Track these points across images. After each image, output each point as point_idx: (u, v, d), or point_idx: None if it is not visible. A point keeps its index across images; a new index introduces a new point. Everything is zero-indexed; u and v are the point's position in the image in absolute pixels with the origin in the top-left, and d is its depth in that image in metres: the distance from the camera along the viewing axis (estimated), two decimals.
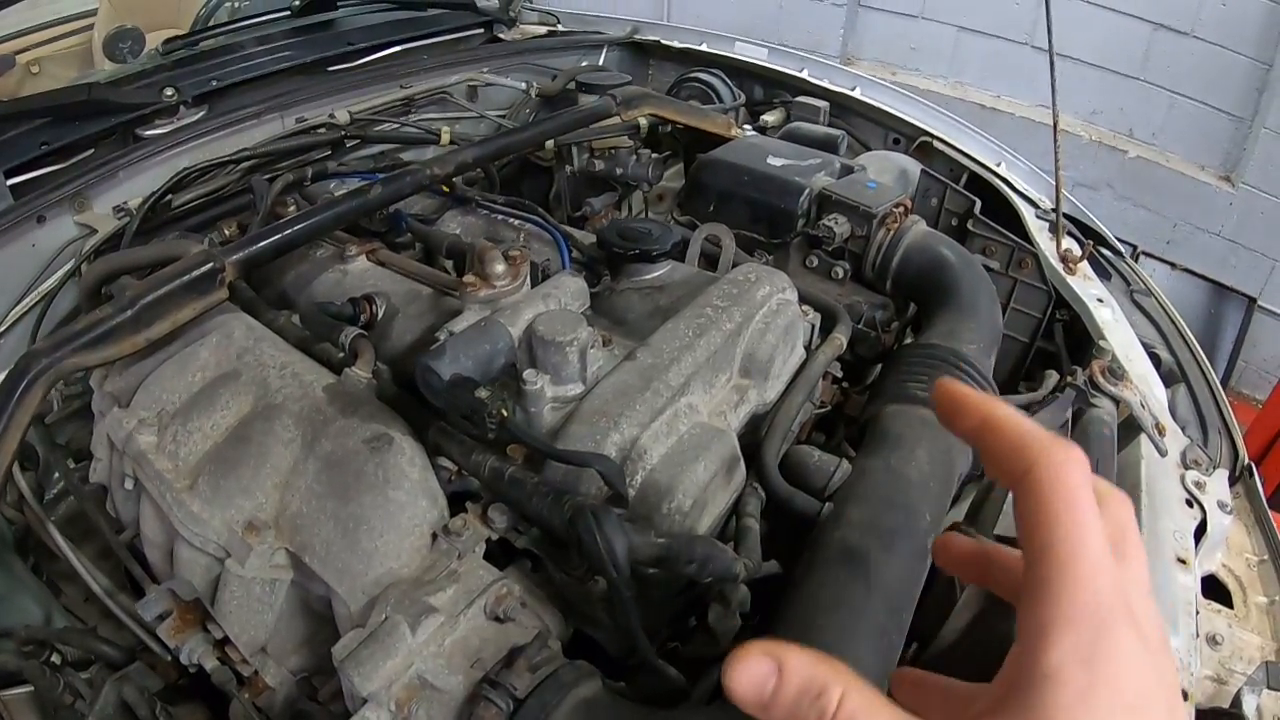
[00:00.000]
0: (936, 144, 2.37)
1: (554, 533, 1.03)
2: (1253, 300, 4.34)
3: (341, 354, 1.30)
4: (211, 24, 2.34)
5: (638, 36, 2.67)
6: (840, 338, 1.57)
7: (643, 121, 2.20)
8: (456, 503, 1.18)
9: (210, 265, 1.31)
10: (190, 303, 1.31)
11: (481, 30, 2.55)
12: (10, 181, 1.75)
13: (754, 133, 2.27)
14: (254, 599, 1.12)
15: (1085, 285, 2.01)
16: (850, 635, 1.00)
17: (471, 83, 2.26)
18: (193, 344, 1.35)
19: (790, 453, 1.38)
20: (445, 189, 1.78)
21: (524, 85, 2.31)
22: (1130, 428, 1.66)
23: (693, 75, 2.50)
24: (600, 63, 2.59)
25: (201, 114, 1.97)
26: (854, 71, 2.48)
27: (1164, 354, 1.97)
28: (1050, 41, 2.02)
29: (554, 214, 2.23)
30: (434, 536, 1.11)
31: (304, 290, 1.58)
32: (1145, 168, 4.34)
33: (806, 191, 1.87)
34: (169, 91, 1.92)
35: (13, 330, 1.70)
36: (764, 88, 2.57)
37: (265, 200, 1.68)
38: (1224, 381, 3.86)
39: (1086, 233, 2.20)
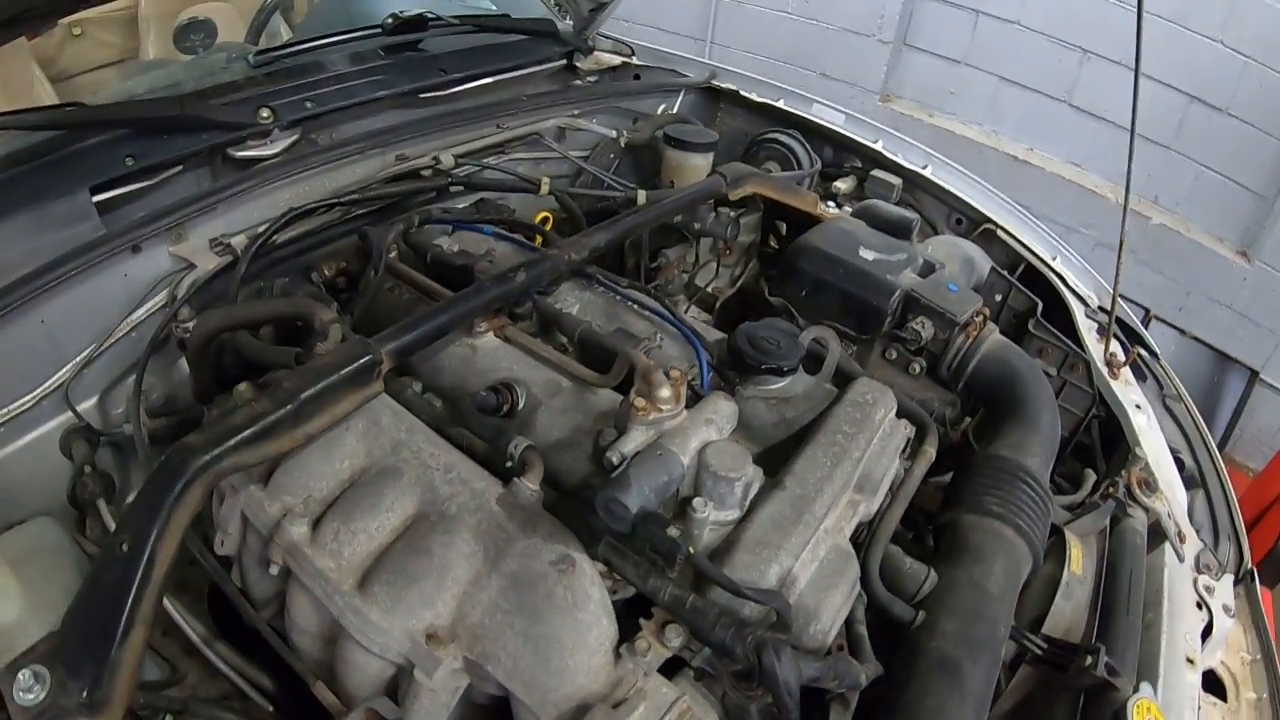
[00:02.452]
0: (999, 233, 2.41)
1: (731, 657, 1.07)
2: (1255, 373, 4.45)
3: (509, 463, 1.25)
4: (297, 38, 2.17)
5: (715, 82, 2.61)
6: (931, 450, 1.61)
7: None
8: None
9: (369, 358, 1.23)
10: (348, 396, 1.23)
11: (563, 60, 2.45)
12: (97, 199, 1.61)
13: (834, 208, 2.25)
14: (439, 706, 1.11)
15: (1126, 391, 2.12)
16: None
17: (563, 125, 2.18)
18: (337, 428, 1.27)
19: (885, 557, 1.43)
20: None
21: (614, 132, 2.23)
22: (1155, 533, 1.82)
23: (771, 136, 2.46)
24: (677, 106, 2.52)
25: (294, 138, 1.84)
26: (925, 149, 2.48)
27: (1187, 459, 2.11)
28: (1130, 153, 2.06)
29: (628, 261, 2.18)
30: (618, 654, 1.12)
31: (428, 360, 1.51)
32: (1166, 235, 4.39)
33: (898, 292, 1.91)
34: (264, 113, 1.79)
35: (98, 361, 1.58)
36: (834, 150, 2.55)
37: (381, 253, 1.59)
38: (1220, 448, 4.04)
39: (1128, 334, 2.28)
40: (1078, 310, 2.31)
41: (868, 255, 1.98)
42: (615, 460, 1.21)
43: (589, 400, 1.43)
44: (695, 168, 2.29)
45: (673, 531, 1.13)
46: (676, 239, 2.32)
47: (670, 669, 1.15)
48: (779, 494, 1.29)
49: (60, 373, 1.54)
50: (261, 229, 1.64)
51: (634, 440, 1.25)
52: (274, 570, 1.20)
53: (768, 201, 2.16)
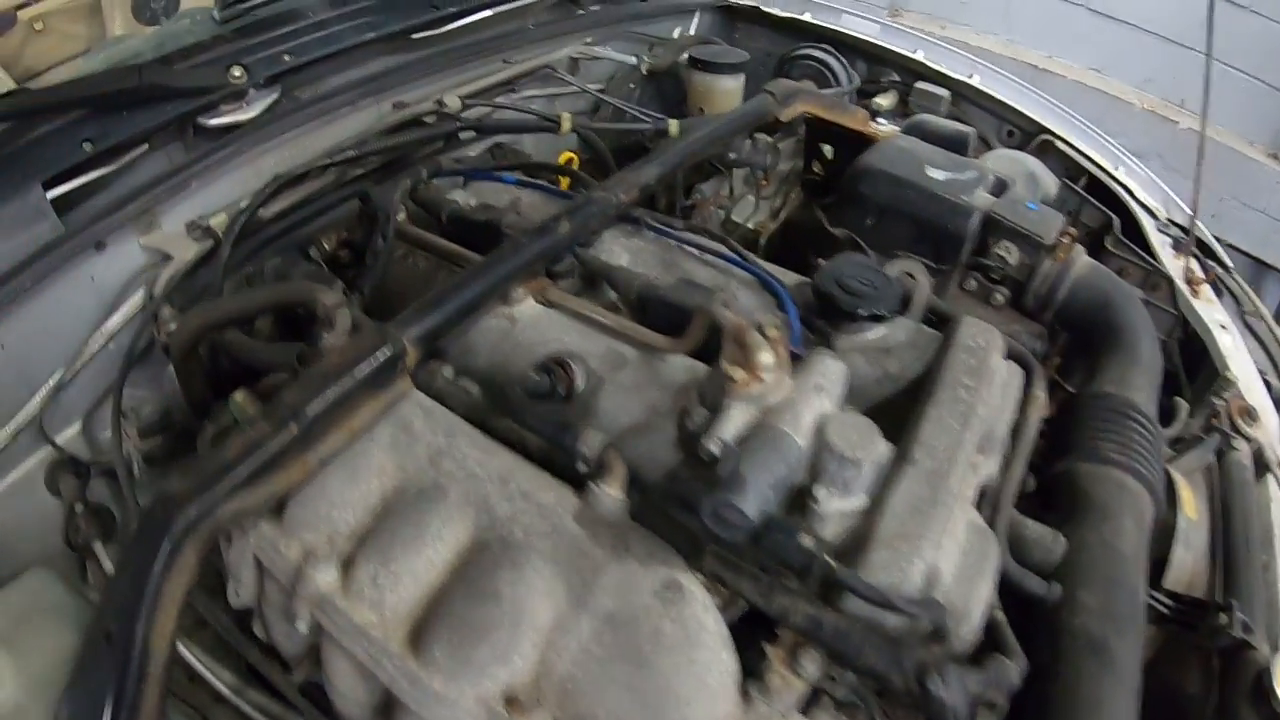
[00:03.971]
0: (1057, 143, 2.05)
1: (887, 684, 0.82)
2: None
3: (584, 468, 0.94)
4: None
5: (731, 0, 2.22)
6: (1042, 395, 1.30)
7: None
8: None
9: (389, 352, 0.91)
10: (368, 403, 0.92)
11: None
12: (52, 194, 1.28)
13: (883, 125, 1.89)
14: None
15: (1209, 309, 1.84)
16: None
17: (576, 56, 1.82)
18: (360, 440, 0.96)
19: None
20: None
21: (634, 59, 1.87)
22: (1259, 465, 1.55)
23: (803, 52, 2.09)
24: (693, 29, 2.15)
25: (274, 96, 1.49)
26: (970, 57, 2.11)
27: (1274, 380, 1.81)
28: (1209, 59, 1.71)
29: (659, 200, 1.84)
30: (745, 694, 0.84)
31: (457, 339, 1.18)
32: (1195, 140, 4.03)
33: (976, 215, 1.58)
34: (236, 72, 1.44)
35: (74, 382, 1.27)
36: (867, 64, 2.17)
37: (389, 216, 1.26)
38: None
39: (1202, 248, 1.97)
40: (1149, 225, 2.00)
41: (936, 175, 1.64)
42: (716, 450, 0.91)
43: (661, 371, 1.11)
44: (726, 91, 1.95)
45: (806, 541, 0.85)
46: (707, 172, 1.98)
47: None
48: (909, 470, 0.99)
49: (31, 402, 1.24)
50: (244, 204, 1.30)
51: (734, 422, 0.94)
52: (302, 627, 0.90)
53: (813, 122, 1.80)
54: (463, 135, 1.51)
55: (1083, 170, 2.09)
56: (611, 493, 0.91)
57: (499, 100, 1.59)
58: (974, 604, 0.93)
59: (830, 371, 1.03)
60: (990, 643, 0.97)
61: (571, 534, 0.88)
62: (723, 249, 1.28)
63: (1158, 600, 1.22)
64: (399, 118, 1.48)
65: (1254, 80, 3.94)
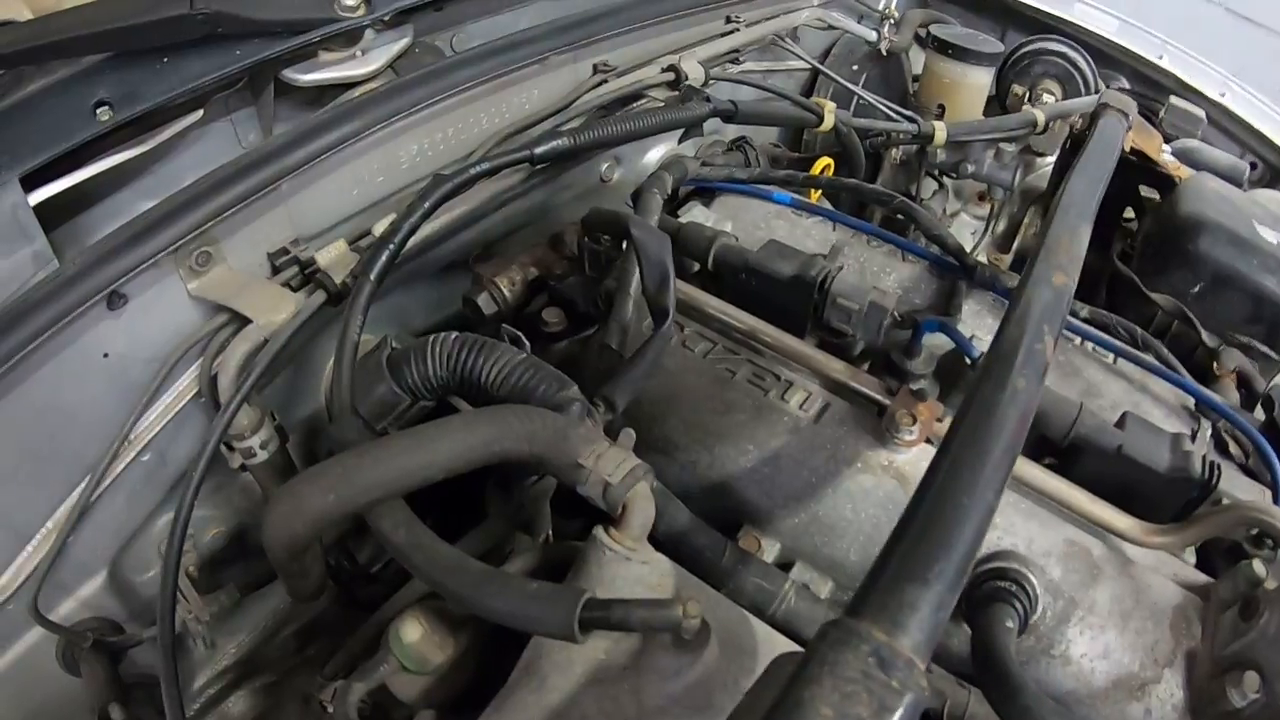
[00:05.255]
0: None
1: None
2: None
3: None
4: None
5: None
6: None
7: (1040, 117, 1.27)
8: None
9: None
10: None
11: None
12: (38, 197, 0.68)
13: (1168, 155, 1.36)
14: None
15: None
16: None
17: (809, 24, 1.23)
18: None
19: None
20: None
21: (873, 34, 1.30)
22: None
23: (1043, 47, 1.51)
24: (895, 4, 1.56)
25: (405, 42, 0.89)
26: (1220, 71, 1.57)
27: None
28: None
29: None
30: None
31: (802, 509, 0.61)
32: None
33: None
34: (350, 0, 0.83)
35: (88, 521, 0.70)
36: (1091, 62, 1.62)
37: (663, 261, 0.68)
38: None
39: None
40: None
41: (1269, 236, 1.17)
42: None
43: (1145, 583, 0.57)
44: (976, 85, 1.46)
45: None
46: (918, 177, 1.43)
47: None
48: None
49: (19, 564, 0.69)
50: (380, 227, 0.72)
51: None
52: None
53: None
54: (707, 120, 0.91)
55: None
56: None
57: (750, 75, 0.99)
58: None
59: None
60: None
61: None
62: (1157, 364, 0.73)
63: None
64: (612, 90, 0.88)
65: None
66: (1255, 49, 3.46)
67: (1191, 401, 0.80)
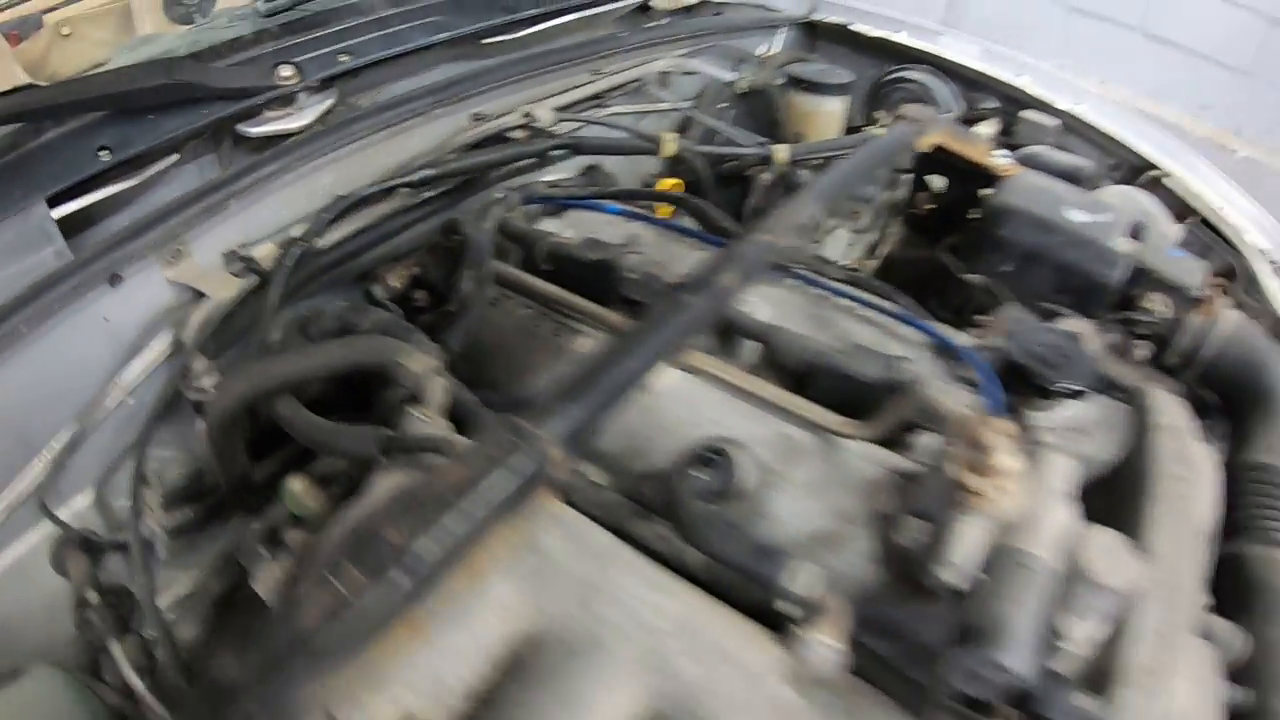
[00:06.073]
0: (1165, 180, 1.78)
1: None
2: None
3: (798, 612, 0.63)
4: None
5: (815, 16, 1.92)
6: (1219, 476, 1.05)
7: (880, 133, 1.53)
8: None
9: (533, 467, 0.60)
10: (498, 533, 0.60)
11: None
12: (59, 212, 0.96)
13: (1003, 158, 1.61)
14: None
15: None
16: None
17: (669, 70, 1.52)
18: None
19: None
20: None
21: (729, 75, 1.58)
22: None
23: (901, 75, 1.79)
24: (776, 46, 1.84)
25: (329, 102, 1.18)
26: (1081, 84, 1.83)
27: None
28: None
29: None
30: None
31: None
32: (1253, 168, 3.75)
33: (1123, 262, 1.32)
34: (285, 71, 1.13)
35: (84, 444, 0.95)
36: (964, 89, 1.88)
37: (484, 253, 0.95)
38: None
39: None
40: (1263, 269, 1.70)
41: (1077, 216, 1.36)
42: (953, 581, 0.65)
43: (846, 467, 0.80)
44: (829, 114, 1.67)
45: (1088, 704, 0.62)
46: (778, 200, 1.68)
47: None
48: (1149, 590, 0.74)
49: (31, 469, 0.94)
50: (297, 231, 0.99)
51: (968, 543, 0.67)
52: None
53: (927, 153, 1.52)
54: (554, 154, 1.19)
55: (1190, 210, 1.80)
56: (829, 643, 0.60)
57: (594, 116, 1.28)
58: None
59: (1064, 474, 0.77)
60: None
61: (787, 706, 0.58)
62: (904, 312, 0.98)
63: None
64: (480, 132, 1.17)
65: None
66: (1173, 67, 3.73)
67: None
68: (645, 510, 0.76)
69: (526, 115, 1.20)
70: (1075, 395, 0.96)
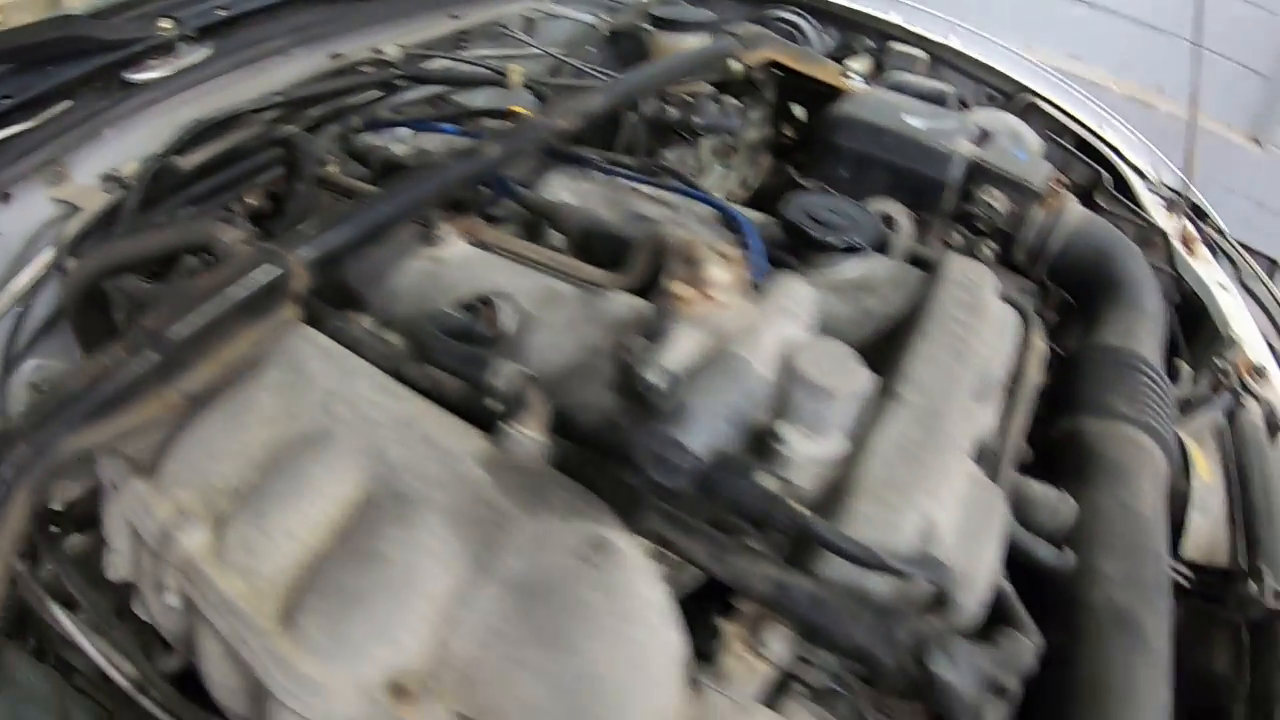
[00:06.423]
0: (1040, 104, 1.87)
1: (877, 669, 0.63)
2: (1275, 262, 3.84)
3: (500, 407, 0.75)
4: None
5: None
6: (1041, 344, 1.12)
7: (738, 67, 1.64)
8: None
9: (273, 272, 0.73)
10: (244, 331, 0.74)
11: None
12: None
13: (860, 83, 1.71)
14: None
15: (1206, 269, 1.64)
16: None
17: (531, 14, 1.64)
18: (245, 383, 0.78)
19: (1009, 485, 0.95)
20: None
21: (590, 18, 1.69)
22: (1271, 427, 1.36)
23: (775, 14, 1.89)
24: None
25: (208, 53, 1.32)
26: (948, 18, 1.92)
27: (1278, 344, 1.62)
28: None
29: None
30: (694, 682, 0.64)
31: (378, 284, 1.00)
32: (1173, 125, 3.81)
33: (957, 160, 1.39)
34: (164, 23, 1.27)
35: None
36: (839, 30, 1.98)
37: (310, 161, 1.08)
38: None
39: (1197, 210, 1.80)
40: (1139, 184, 1.80)
41: (916, 123, 1.44)
42: (655, 380, 0.72)
43: (601, 308, 0.92)
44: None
45: (766, 481, 0.65)
46: (673, 140, 1.79)
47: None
48: (897, 409, 0.80)
49: None
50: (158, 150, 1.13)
51: (680, 349, 0.75)
52: (171, 600, 0.72)
53: (785, 75, 1.62)
54: (400, 85, 1.32)
55: (1067, 130, 1.89)
56: (529, 433, 0.72)
57: (441, 51, 1.41)
58: (979, 569, 0.74)
59: (796, 294, 0.85)
60: (997, 619, 0.77)
61: (476, 483, 0.69)
62: (682, 186, 1.10)
63: (1179, 573, 1.04)
64: (334, 67, 1.31)
65: (1234, 64, 3.74)
66: (1096, 27, 3.77)
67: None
68: (415, 352, 0.88)
69: (375, 51, 1.32)
70: (850, 250, 1.02)
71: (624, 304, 0.92)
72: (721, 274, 0.76)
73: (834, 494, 0.73)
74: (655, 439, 0.65)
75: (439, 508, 0.68)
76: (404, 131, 1.30)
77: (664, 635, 0.64)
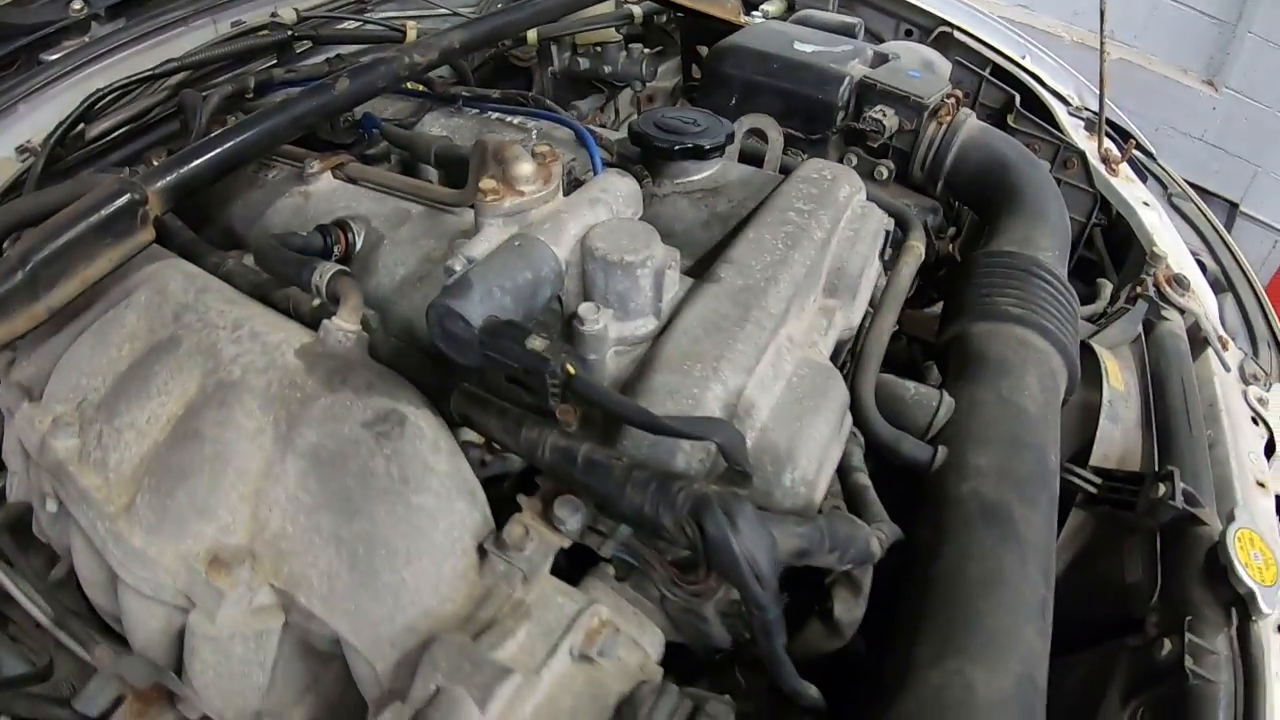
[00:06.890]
0: (957, 35, 1.88)
1: (659, 533, 0.63)
2: (1234, 205, 3.84)
3: (317, 300, 0.82)
4: None
5: None
6: (918, 246, 1.16)
7: (636, 10, 1.68)
8: (492, 491, 0.74)
9: (127, 197, 0.81)
10: (104, 252, 0.81)
11: None
12: None
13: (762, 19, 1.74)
14: (235, 661, 0.69)
15: (1129, 188, 1.64)
16: (1017, 616, 0.73)
17: None
18: (116, 306, 0.86)
19: (880, 385, 0.98)
20: (420, 87, 1.26)
21: None
22: (1195, 339, 1.37)
23: None
24: None
25: (117, 28, 1.40)
26: None
27: (1208, 261, 1.65)
28: None
29: None
30: (482, 552, 0.69)
31: (256, 223, 1.07)
32: (1128, 70, 3.72)
33: (846, 81, 1.41)
34: (76, 4, 1.35)
35: None
36: None
37: (200, 117, 1.15)
38: None
39: (1120, 132, 1.77)
40: (1059, 108, 1.81)
41: (805, 49, 1.47)
42: (457, 267, 0.76)
43: (443, 222, 0.98)
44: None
45: (535, 342, 0.67)
46: (588, 91, 1.84)
47: (583, 565, 0.73)
48: (712, 288, 0.84)
49: None
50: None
51: (486, 239, 0.80)
52: (51, 506, 0.80)
53: (685, 16, 1.66)
54: (297, 47, 1.40)
55: (987, 61, 1.90)
56: (344, 324, 0.79)
57: (336, 12, 1.47)
58: (803, 446, 0.76)
59: (613, 187, 0.88)
60: (852, 510, 0.82)
61: (287, 367, 0.76)
62: (540, 110, 1.16)
63: (1084, 478, 1.04)
64: (233, 33, 1.38)
65: (1185, 8, 3.70)
66: None
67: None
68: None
69: (273, 14, 1.39)
70: (700, 155, 1.05)
71: (465, 217, 0.98)
72: (526, 168, 0.81)
73: (636, 368, 0.78)
74: (439, 312, 0.70)
75: (254, 392, 0.74)
76: None
77: (455, 507, 0.68)
